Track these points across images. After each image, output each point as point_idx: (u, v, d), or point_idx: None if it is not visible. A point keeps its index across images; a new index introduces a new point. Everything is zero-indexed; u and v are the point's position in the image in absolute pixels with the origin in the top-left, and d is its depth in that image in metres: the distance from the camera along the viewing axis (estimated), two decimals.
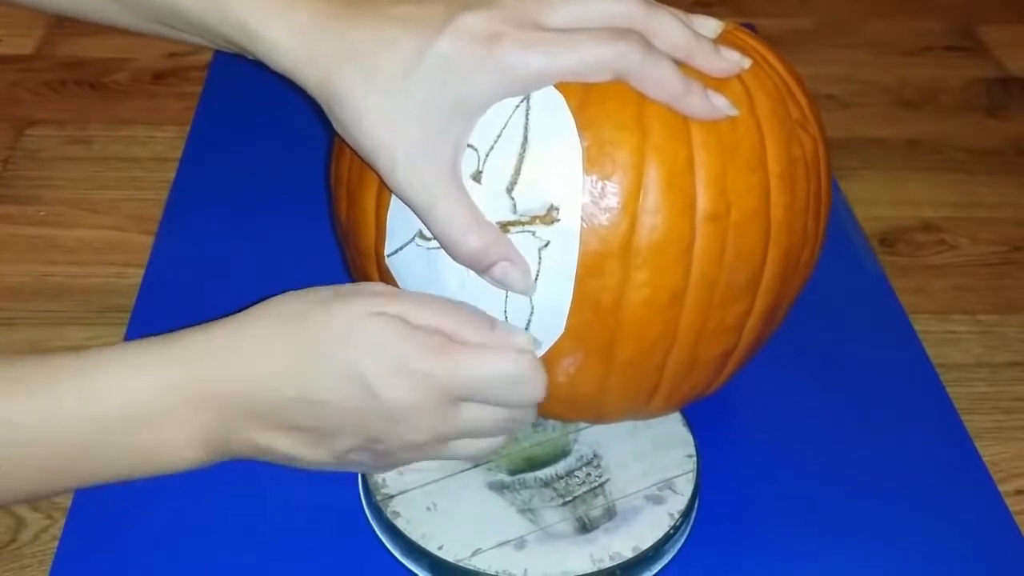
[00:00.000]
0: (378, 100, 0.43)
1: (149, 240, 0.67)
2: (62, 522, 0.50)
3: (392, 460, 0.47)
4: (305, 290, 0.46)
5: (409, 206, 0.44)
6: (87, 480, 0.47)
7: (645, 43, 0.43)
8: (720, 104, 0.44)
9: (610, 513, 0.49)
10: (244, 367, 0.44)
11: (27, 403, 0.44)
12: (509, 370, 0.44)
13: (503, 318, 0.45)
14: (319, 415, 0.44)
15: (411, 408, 0.43)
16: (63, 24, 0.88)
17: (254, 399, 0.44)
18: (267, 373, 0.44)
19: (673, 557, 0.49)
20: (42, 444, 0.44)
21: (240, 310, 0.61)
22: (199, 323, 0.60)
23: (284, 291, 0.62)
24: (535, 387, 0.44)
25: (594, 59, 0.43)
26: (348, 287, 0.46)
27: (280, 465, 0.47)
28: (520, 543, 0.47)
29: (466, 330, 0.44)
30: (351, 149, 0.46)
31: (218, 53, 0.54)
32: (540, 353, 0.45)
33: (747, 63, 0.45)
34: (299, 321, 0.44)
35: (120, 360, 0.45)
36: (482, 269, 0.44)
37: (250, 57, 0.49)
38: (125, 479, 0.46)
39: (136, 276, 0.64)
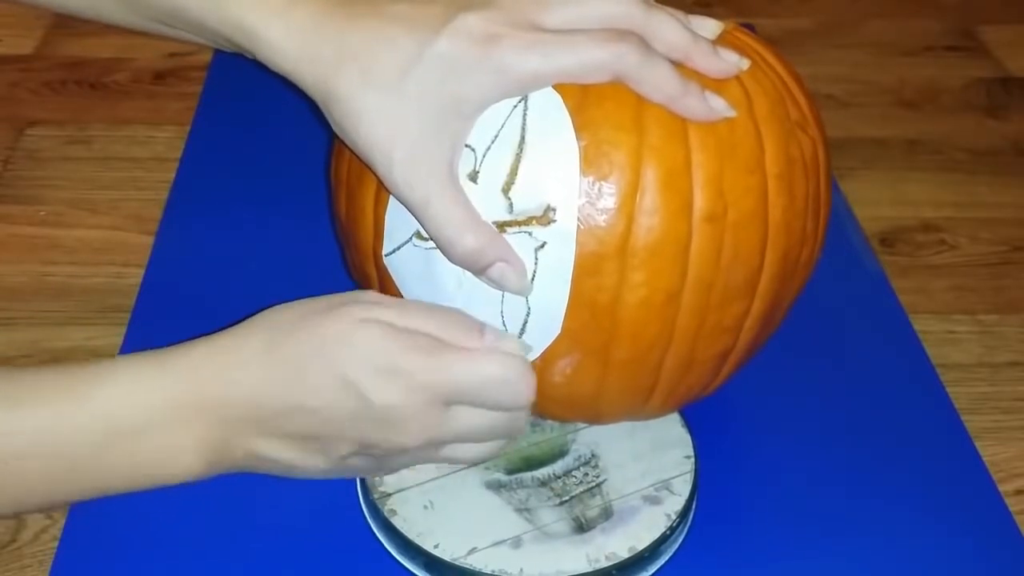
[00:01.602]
0: (376, 99, 0.43)
1: (149, 240, 0.67)
2: (62, 522, 0.51)
3: (389, 464, 0.48)
4: (300, 301, 0.47)
5: (405, 205, 0.44)
6: (90, 491, 0.47)
7: (643, 44, 0.43)
8: (718, 106, 0.44)
9: (607, 513, 0.49)
10: (242, 379, 0.45)
11: (31, 415, 0.44)
12: (498, 372, 0.44)
13: (499, 319, 0.45)
14: (314, 423, 0.45)
15: (401, 411, 0.44)
16: (63, 24, 0.88)
17: (252, 408, 0.45)
18: (264, 383, 0.45)
19: (670, 558, 0.49)
20: (45, 455, 0.45)
21: (240, 309, 0.62)
22: (199, 323, 0.61)
23: (284, 291, 0.62)
24: (525, 388, 0.45)
25: (592, 60, 0.43)
26: (342, 296, 0.46)
27: (280, 475, 0.48)
28: (516, 542, 0.47)
29: (456, 334, 0.44)
30: (350, 148, 0.46)
31: (218, 53, 0.54)
32: (536, 354, 0.46)
33: (746, 64, 0.45)
34: (292, 333, 0.45)
35: (123, 372, 0.46)
36: (478, 270, 0.44)
37: (249, 57, 0.49)
38: (126, 490, 0.47)
39: (136, 276, 0.64)
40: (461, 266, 0.44)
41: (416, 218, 0.44)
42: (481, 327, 0.45)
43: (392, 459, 0.47)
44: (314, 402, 0.44)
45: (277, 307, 0.47)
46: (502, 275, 0.44)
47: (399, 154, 0.43)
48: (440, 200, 0.43)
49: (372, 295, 0.46)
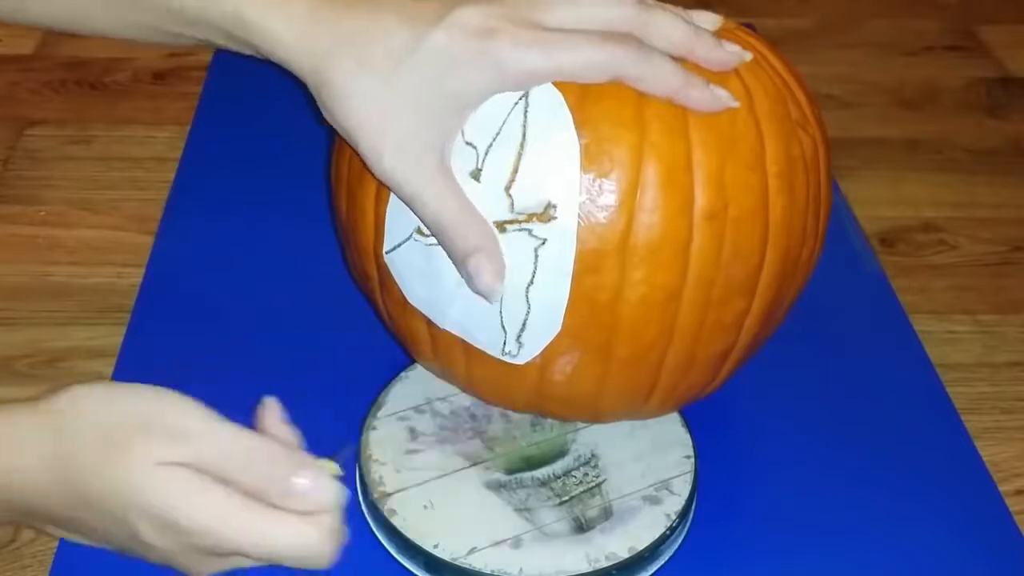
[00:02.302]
0: (369, 86, 0.43)
1: (149, 240, 0.67)
2: None
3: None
4: (105, 398, 0.42)
5: (395, 193, 0.44)
6: None
7: (641, 46, 0.43)
8: (722, 95, 0.43)
9: (607, 513, 0.48)
10: (28, 485, 0.42)
11: None
12: (290, 548, 0.40)
13: (499, 317, 0.45)
14: (97, 536, 0.43)
15: (185, 557, 0.41)
16: None
17: (39, 509, 0.43)
18: (49, 496, 0.42)
19: (670, 558, 0.49)
20: None
21: (239, 309, 0.62)
22: (199, 323, 0.61)
23: (284, 290, 0.63)
24: (319, 561, 0.41)
25: (590, 61, 0.43)
26: (147, 413, 0.41)
27: None
28: (516, 542, 0.47)
29: (262, 481, 0.40)
30: (340, 134, 0.46)
31: (218, 53, 0.54)
32: (536, 352, 0.46)
33: (748, 56, 0.45)
34: (82, 451, 0.41)
35: None
36: (459, 260, 0.44)
37: (246, 51, 0.49)
38: None
39: (136, 276, 0.64)
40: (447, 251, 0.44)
41: (407, 206, 0.44)
42: (297, 468, 0.40)
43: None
44: (95, 524, 0.42)
45: (77, 397, 0.42)
46: (477, 269, 0.43)
47: (391, 143, 0.43)
48: (431, 190, 0.43)
49: (180, 419, 0.41)
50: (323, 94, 0.44)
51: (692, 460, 0.51)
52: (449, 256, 0.44)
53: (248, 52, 0.48)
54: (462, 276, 0.44)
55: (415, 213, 0.44)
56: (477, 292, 0.44)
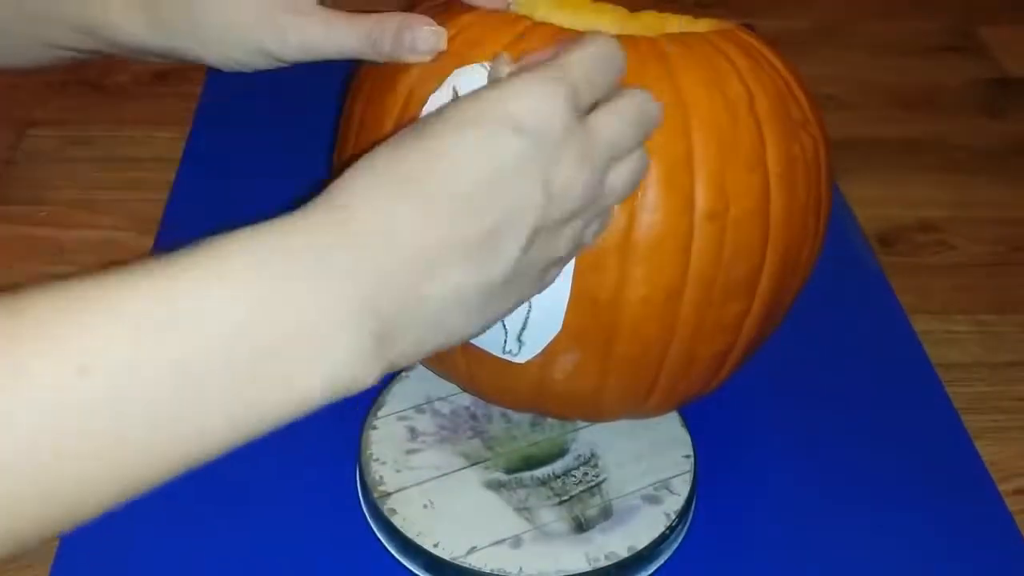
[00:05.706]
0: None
1: (149, 240, 0.67)
2: None
3: (557, 246, 0.39)
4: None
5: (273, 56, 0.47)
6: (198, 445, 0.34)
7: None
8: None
9: (606, 512, 0.49)
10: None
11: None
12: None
13: None
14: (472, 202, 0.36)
15: (549, 133, 0.37)
16: None
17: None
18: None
19: (669, 557, 0.49)
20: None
21: None
22: None
23: None
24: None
25: None
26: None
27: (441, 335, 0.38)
28: (516, 541, 0.47)
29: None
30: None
31: None
32: (537, 351, 0.45)
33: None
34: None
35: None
36: (389, 52, 0.44)
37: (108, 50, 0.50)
38: (255, 423, 0.34)
39: None
40: (371, 57, 0.45)
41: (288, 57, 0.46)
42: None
43: (559, 238, 0.39)
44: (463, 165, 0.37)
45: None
46: (414, 40, 0.43)
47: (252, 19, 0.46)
48: (297, 28, 0.45)
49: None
50: (177, 48, 0.48)
51: (692, 460, 0.51)
52: (373, 56, 0.45)
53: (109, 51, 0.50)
54: (406, 54, 0.44)
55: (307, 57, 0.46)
56: (424, 52, 0.44)
